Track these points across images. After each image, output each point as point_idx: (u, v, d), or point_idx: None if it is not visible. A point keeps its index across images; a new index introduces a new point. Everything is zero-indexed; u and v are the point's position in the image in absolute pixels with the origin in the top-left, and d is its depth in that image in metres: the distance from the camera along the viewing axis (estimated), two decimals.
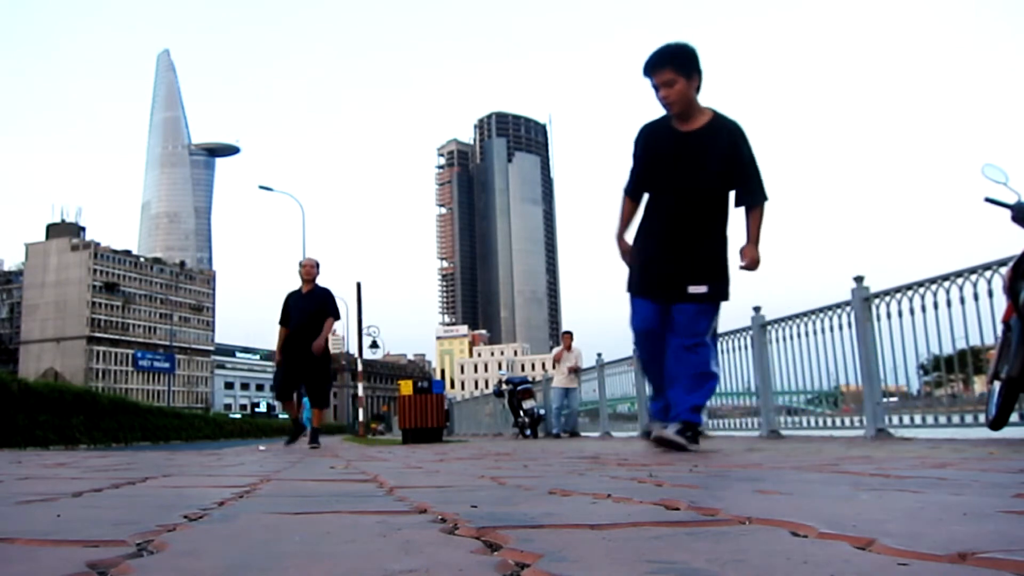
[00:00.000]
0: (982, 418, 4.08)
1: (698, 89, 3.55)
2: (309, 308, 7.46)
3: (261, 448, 8.37)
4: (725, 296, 3.64)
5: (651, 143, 3.68)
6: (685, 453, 3.29)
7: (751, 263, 3.53)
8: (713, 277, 3.57)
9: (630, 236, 3.81)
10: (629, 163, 3.79)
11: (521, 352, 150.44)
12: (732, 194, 3.61)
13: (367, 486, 1.91)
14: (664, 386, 3.69)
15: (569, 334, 11.71)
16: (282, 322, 7.59)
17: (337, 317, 7.61)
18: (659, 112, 3.64)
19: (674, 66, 3.47)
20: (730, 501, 1.35)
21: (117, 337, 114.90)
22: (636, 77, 3.56)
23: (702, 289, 3.54)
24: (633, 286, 3.73)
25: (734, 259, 3.61)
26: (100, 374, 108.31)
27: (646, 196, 3.75)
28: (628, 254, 3.78)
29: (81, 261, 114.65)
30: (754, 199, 3.57)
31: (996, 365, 3.60)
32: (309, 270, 7.59)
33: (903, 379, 5.31)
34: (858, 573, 0.71)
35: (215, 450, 6.65)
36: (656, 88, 3.51)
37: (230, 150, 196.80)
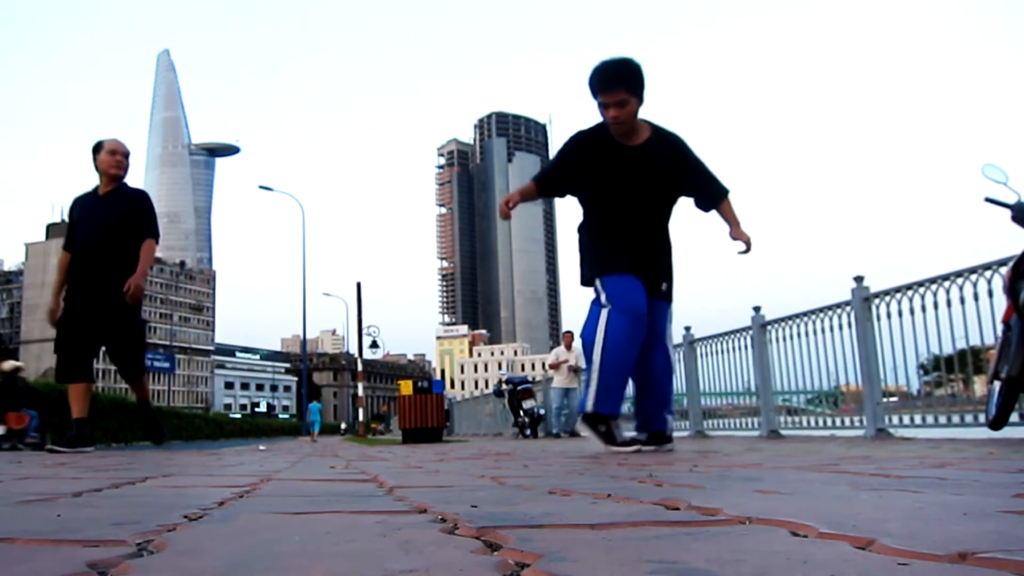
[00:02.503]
0: (982, 418, 4.08)
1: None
2: (108, 217, 4.76)
3: (261, 448, 8.38)
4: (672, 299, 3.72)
5: (589, 154, 3.55)
6: (673, 453, 3.40)
7: (747, 242, 3.59)
8: (671, 278, 3.67)
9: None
10: (551, 157, 3.76)
11: (521, 352, 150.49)
12: (690, 200, 3.68)
13: (367, 486, 1.91)
14: (637, 392, 3.71)
15: (570, 333, 11.71)
16: (67, 246, 4.88)
17: (157, 236, 4.88)
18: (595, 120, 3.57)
19: (627, 86, 3.36)
20: (730, 501, 1.35)
21: None
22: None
23: (670, 287, 3.66)
24: (613, 265, 3.49)
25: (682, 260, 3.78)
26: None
27: (590, 210, 3.68)
28: (513, 204, 3.60)
29: None
30: (718, 195, 3.67)
31: (996, 365, 3.61)
32: (120, 160, 4.88)
33: (903, 379, 5.32)
34: (858, 573, 0.71)
35: (215, 450, 6.65)
36: (605, 106, 3.40)
37: (230, 150, 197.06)
